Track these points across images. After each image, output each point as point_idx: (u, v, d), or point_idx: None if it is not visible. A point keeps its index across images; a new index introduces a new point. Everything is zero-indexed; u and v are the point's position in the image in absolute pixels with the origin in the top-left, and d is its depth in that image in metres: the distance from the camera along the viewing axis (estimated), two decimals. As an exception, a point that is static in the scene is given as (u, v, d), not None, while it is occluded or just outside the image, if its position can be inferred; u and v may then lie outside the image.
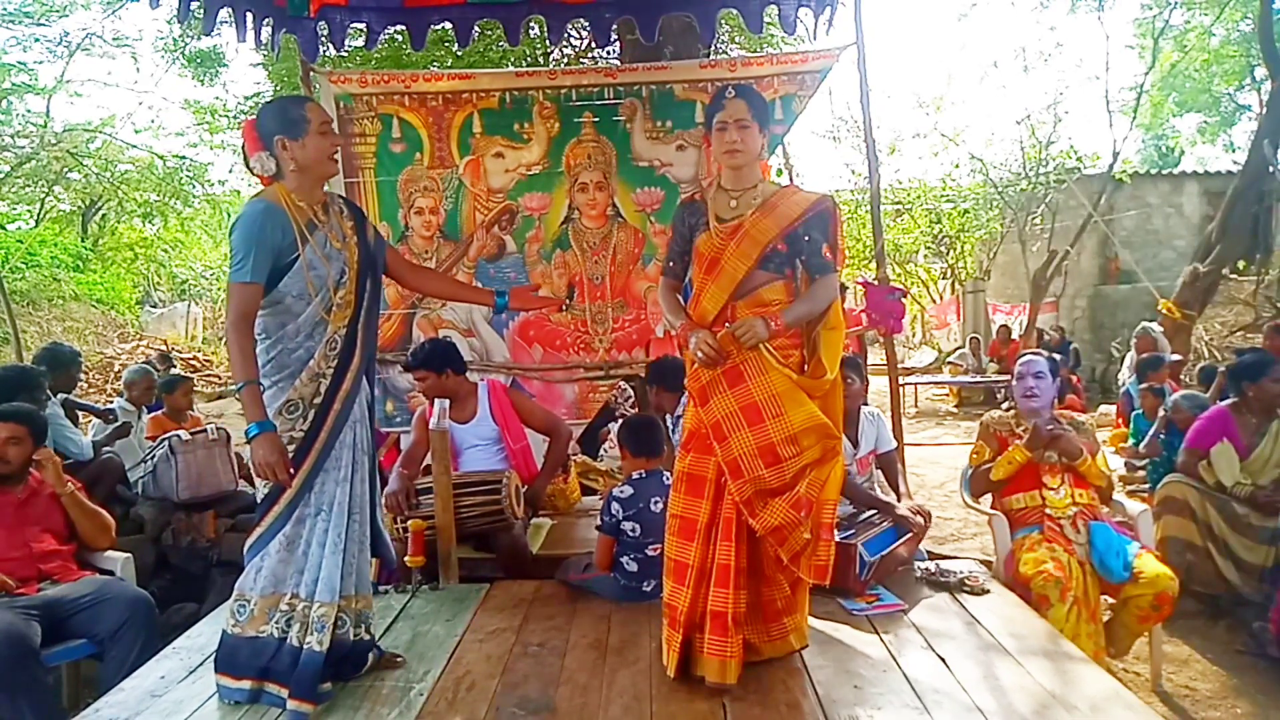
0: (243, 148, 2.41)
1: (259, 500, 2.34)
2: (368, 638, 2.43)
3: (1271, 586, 3.47)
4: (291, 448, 2.26)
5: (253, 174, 2.40)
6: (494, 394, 3.77)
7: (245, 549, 2.35)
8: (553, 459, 3.75)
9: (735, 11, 4.03)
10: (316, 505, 2.30)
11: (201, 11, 3.40)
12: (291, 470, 2.24)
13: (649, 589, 2.85)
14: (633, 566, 2.88)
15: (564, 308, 4.63)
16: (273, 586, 2.29)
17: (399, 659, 2.50)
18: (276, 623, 2.28)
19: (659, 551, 2.73)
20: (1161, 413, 5.62)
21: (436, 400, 3.65)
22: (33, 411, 3.18)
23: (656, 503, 2.85)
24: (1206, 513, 3.73)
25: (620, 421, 3.28)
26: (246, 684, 2.26)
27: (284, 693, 2.21)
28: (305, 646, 2.22)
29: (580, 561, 3.12)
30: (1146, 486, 5.37)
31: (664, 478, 2.96)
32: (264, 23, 3.70)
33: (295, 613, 2.27)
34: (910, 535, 3.09)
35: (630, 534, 2.87)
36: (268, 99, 10.22)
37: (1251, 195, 10.14)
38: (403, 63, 7.67)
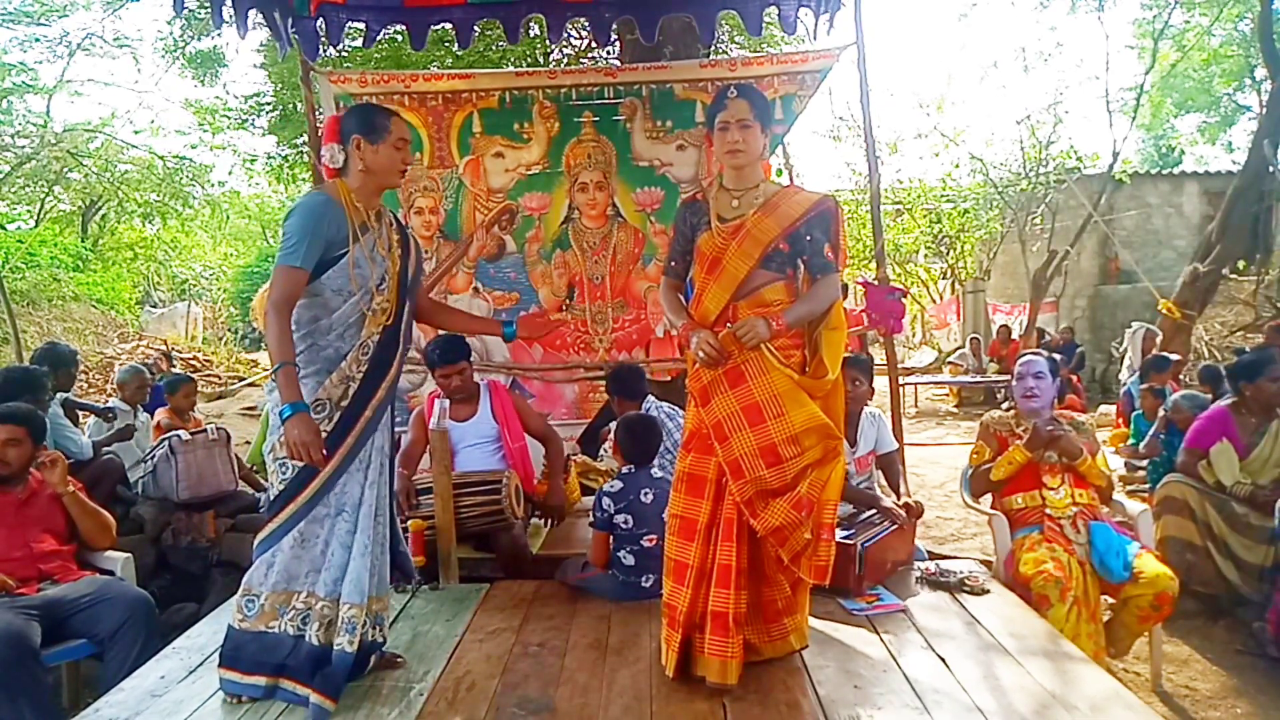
0: (320, 136, 2.49)
1: (272, 496, 2.34)
2: (380, 640, 2.44)
3: (1270, 586, 3.48)
4: None
5: (321, 163, 2.48)
6: (495, 393, 3.78)
7: (255, 544, 2.36)
8: (554, 463, 3.79)
9: (735, 12, 4.03)
10: (337, 506, 2.32)
11: (231, 9, 3.40)
12: (325, 452, 2.23)
13: (648, 585, 2.86)
14: (630, 560, 2.89)
15: (564, 307, 4.65)
16: (285, 583, 2.30)
17: (399, 659, 2.51)
18: (291, 620, 2.29)
19: (655, 543, 2.74)
20: (1162, 413, 5.62)
21: (436, 400, 3.66)
22: (31, 412, 3.18)
23: (646, 494, 2.89)
24: (1206, 512, 3.72)
25: (618, 419, 3.29)
26: (260, 680, 2.27)
27: (302, 690, 2.22)
28: (336, 647, 2.24)
29: (579, 561, 3.12)
30: (1146, 486, 5.38)
31: (652, 471, 2.98)
32: (284, 20, 3.71)
33: (313, 611, 2.28)
34: (896, 527, 3.09)
35: (624, 526, 2.88)
36: (268, 99, 10.25)
37: (1251, 195, 10.14)
38: (402, 63, 7.67)
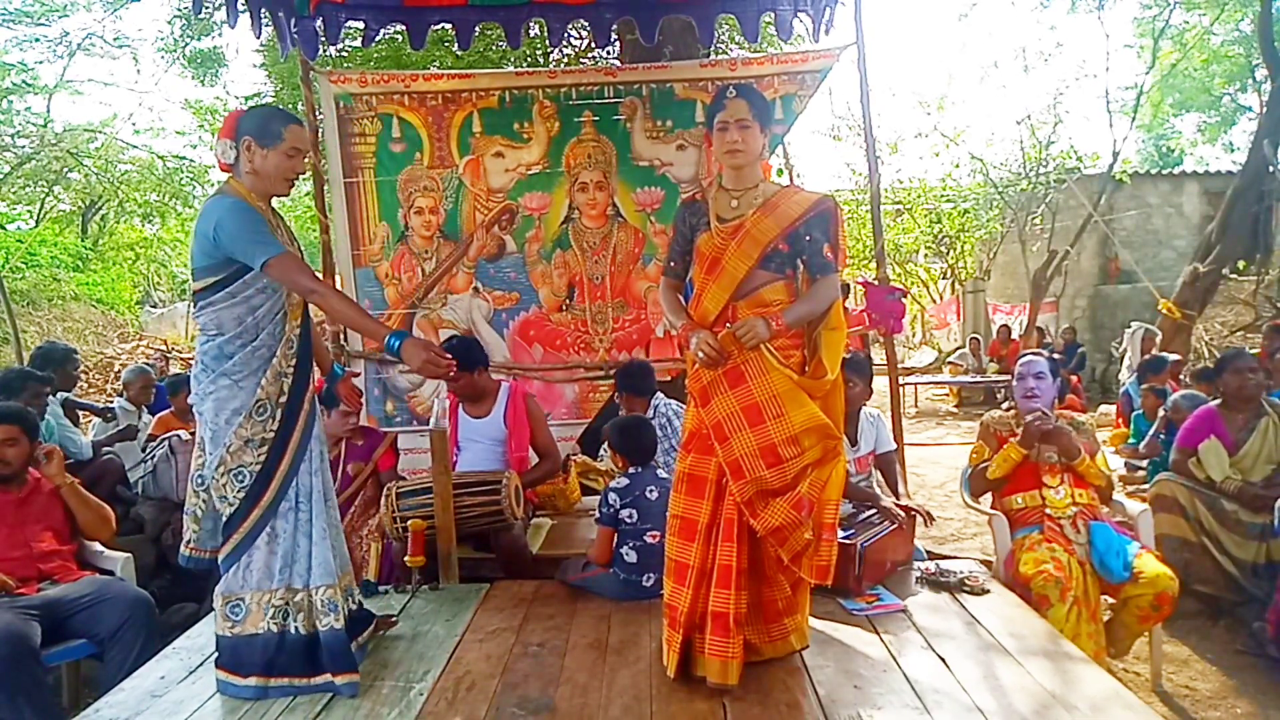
0: (314, 161, 2.50)
1: (231, 508, 2.33)
2: (357, 605, 2.56)
3: (1269, 584, 3.48)
4: (264, 450, 2.32)
5: (215, 156, 2.48)
6: (513, 398, 3.77)
7: (223, 556, 2.36)
8: (537, 473, 3.74)
9: (733, 15, 4.04)
10: (295, 498, 2.37)
11: (234, 7, 3.41)
12: (448, 357, 2.36)
13: (649, 584, 2.86)
14: (632, 557, 2.89)
15: (564, 306, 4.64)
16: (268, 581, 2.34)
17: (393, 620, 2.68)
18: (274, 618, 2.33)
19: (657, 539, 2.74)
20: (1162, 413, 5.62)
21: (436, 400, 3.66)
22: (23, 410, 3.20)
23: (652, 491, 2.91)
24: (1196, 509, 3.75)
25: (610, 423, 3.29)
26: (253, 681, 2.30)
27: (315, 680, 2.30)
28: (324, 627, 2.33)
29: (580, 561, 3.12)
30: (1146, 486, 5.38)
31: (657, 471, 3.00)
32: (288, 20, 3.71)
33: (292, 604, 2.34)
34: (895, 526, 3.09)
35: (628, 520, 2.89)
36: (268, 100, 10.24)
37: (1251, 195, 10.14)
38: (403, 62, 7.67)
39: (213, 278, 2.30)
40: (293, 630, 2.32)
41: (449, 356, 2.36)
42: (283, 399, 2.35)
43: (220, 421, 2.29)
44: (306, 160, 2.52)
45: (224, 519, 2.35)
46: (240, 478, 2.31)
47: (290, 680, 2.30)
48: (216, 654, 2.39)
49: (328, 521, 2.41)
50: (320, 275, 2.45)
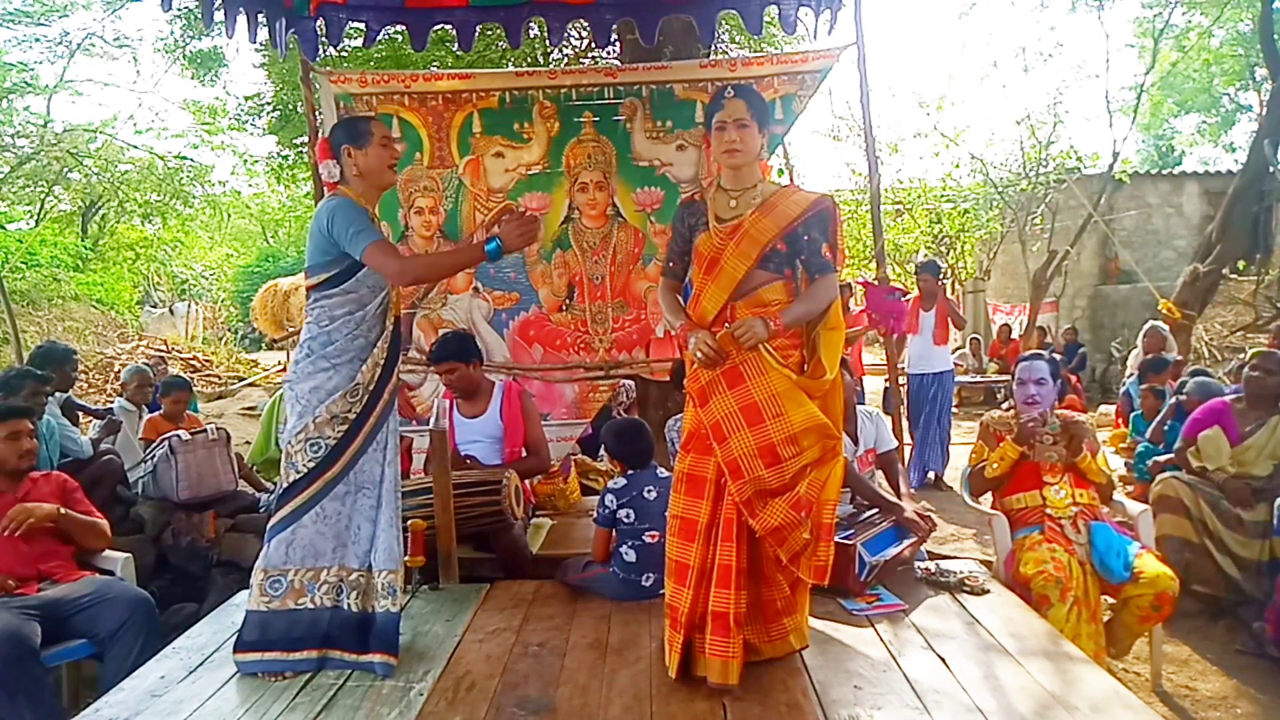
0: (314, 162, 2.65)
1: (295, 476, 2.44)
2: None
3: (1270, 583, 3.48)
4: (344, 428, 2.46)
5: (324, 184, 2.70)
6: (507, 395, 3.79)
7: (272, 524, 2.46)
8: (521, 466, 3.69)
9: (735, 12, 4.03)
10: (357, 484, 2.50)
11: (222, 12, 3.42)
12: (532, 221, 2.49)
13: (649, 583, 2.86)
14: (631, 556, 2.89)
15: (564, 306, 4.63)
16: (313, 559, 2.44)
17: None
18: (326, 594, 2.42)
19: (657, 539, 2.75)
20: (1172, 400, 5.50)
21: (436, 400, 3.67)
22: (23, 407, 3.24)
23: (650, 491, 2.91)
24: (1200, 509, 3.74)
25: (605, 427, 3.28)
26: (309, 654, 2.39)
27: (363, 657, 2.40)
28: (380, 609, 2.44)
29: (580, 561, 3.12)
30: (1135, 475, 5.35)
31: (657, 470, 2.99)
32: (277, 23, 3.70)
33: (345, 583, 2.44)
34: (915, 540, 3.10)
35: (626, 520, 2.90)
36: (268, 100, 10.26)
37: (1251, 195, 10.14)
38: (402, 63, 7.67)
39: (327, 273, 2.47)
40: (345, 607, 2.43)
41: (532, 220, 2.49)
42: (371, 386, 2.51)
43: (313, 398, 2.44)
44: (399, 146, 2.67)
45: (285, 486, 2.46)
46: (316, 448, 2.44)
47: (342, 654, 2.40)
48: (240, 637, 2.42)
49: (396, 511, 2.53)
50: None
